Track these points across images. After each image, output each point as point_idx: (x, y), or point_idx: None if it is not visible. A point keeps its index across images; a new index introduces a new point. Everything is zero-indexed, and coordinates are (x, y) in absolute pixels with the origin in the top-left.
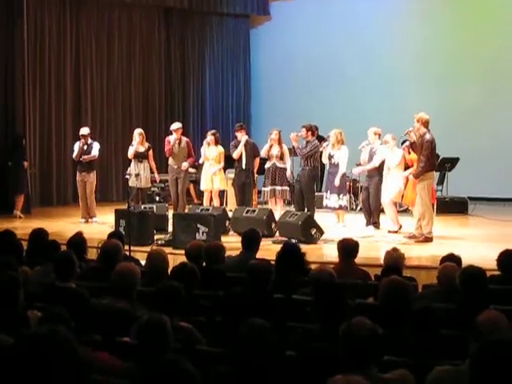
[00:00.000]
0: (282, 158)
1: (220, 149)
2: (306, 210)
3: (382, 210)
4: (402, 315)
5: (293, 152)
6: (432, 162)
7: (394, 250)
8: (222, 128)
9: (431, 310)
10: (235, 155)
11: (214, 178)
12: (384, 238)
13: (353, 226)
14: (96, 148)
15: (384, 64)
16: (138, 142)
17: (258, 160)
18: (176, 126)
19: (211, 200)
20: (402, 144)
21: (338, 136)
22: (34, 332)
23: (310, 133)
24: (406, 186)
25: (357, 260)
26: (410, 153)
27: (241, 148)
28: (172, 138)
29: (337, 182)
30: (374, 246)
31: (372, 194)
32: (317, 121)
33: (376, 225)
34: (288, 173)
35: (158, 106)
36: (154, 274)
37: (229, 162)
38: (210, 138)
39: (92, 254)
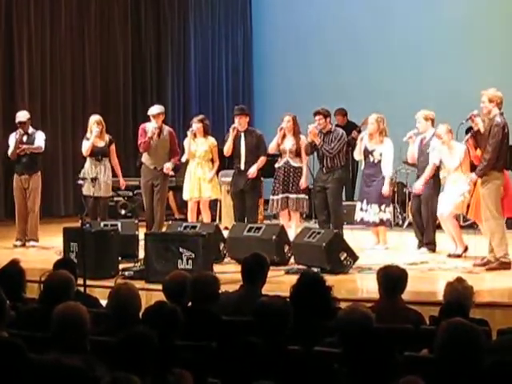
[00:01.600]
0: (298, 153)
1: (211, 141)
2: (331, 226)
3: (439, 226)
4: (468, 373)
5: (310, 149)
6: (503, 155)
7: (459, 281)
8: (212, 114)
9: (509, 366)
10: (225, 150)
11: (202, 184)
12: (442, 264)
13: (398, 248)
14: (41, 138)
15: (426, 31)
16: (95, 134)
17: (264, 158)
18: (156, 109)
19: (198, 214)
20: (467, 133)
21: (380, 123)
22: None
23: (328, 120)
24: (473, 193)
25: (405, 296)
26: (476, 147)
27: (231, 140)
28: (150, 127)
29: (385, 190)
30: (428, 277)
31: (425, 204)
32: (342, 103)
33: (431, 246)
34: (302, 179)
35: (122, 83)
36: (119, 318)
37: (224, 161)
38: (196, 126)
39: (32, 291)
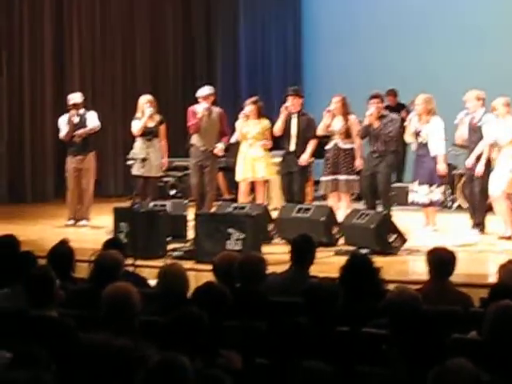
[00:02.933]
0: (348, 135)
1: (265, 123)
2: (381, 208)
3: (490, 208)
4: None
5: (364, 132)
6: None
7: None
8: (261, 96)
9: None
10: (275, 129)
11: (255, 164)
12: (492, 246)
13: (448, 230)
14: (94, 117)
15: (481, 14)
16: (149, 114)
17: (314, 140)
18: (206, 91)
19: (250, 195)
20: None
21: (428, 104)
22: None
23: (382, 104)
24: None
25: (454, 278)
26: None
27: (282, 119)
28: (200, 108)
29: (442, 167)
30: (477, 259)
31: (478, 184)
32: (393, 84)
33: (480, 227)
34: (357, 162)
35: (172, 65)
36: (168, 298)
37: (274, 142)
38: (249, 108)
39: (82, 271)
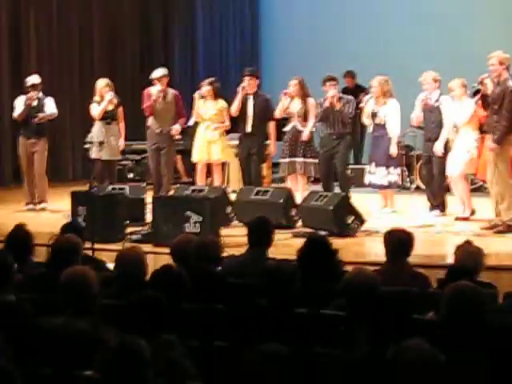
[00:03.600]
0: (306, 117)
1: (221, 104)
2: (338, 189)
3: (448, 189)
4: (473, 336)
5: (324, 114)
6: None
7: (469, 243)
8: (219, 78)
9: None
10: (232, 109)
11: (211, 146)
12: (450, 227)
13: (406, 211)
14: (52, 103)
15: None
16: (109, 99)
17: (273, 123)
18: (160, 72)
19: (208, 177)
20: (474, 95)
21: (384, 86)
22: None
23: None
24: (481, 153)
25: (412, 259)
26: (485, 109)
27: (239, 99)
28: (154, 90)
29: (393, 149)
30: (435, 240)
31: (436, 166)
32: (351, 66)
33: (441, 208)
34: (305, 132)
35: (129, 46)
36: (127, 281)
37: (231, 124)
38: (205, 89)
39: (40, 255)
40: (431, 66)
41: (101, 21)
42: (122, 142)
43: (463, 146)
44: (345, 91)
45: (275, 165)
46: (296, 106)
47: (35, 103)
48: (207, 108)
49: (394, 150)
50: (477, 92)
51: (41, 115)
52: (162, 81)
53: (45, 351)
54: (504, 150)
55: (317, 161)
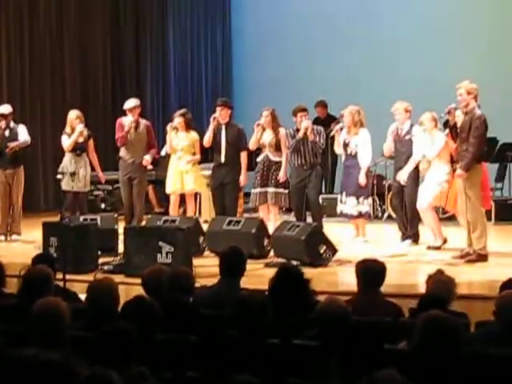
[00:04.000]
0: (277, 147)
1: (193, 135)
2: (311, 219)
3: (421, 219)
4: (445, 366)
5: (296, 145)
6: (483, 148)
7: (440, 272)
8: (191, 108)
9: (487, 358)
10: (204, 141)
11: (184, 177)
12: (421, 256)
13: (378, 240)
14: (24, 131)
15: (407, 19)
16: (80, 131)
17: (245, 153)
18: (132, 103)
19: (180, 207)
20: (445, 126)
21: (355, 116)
22: None
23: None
24: (451, 185)
25: (384, 289)
26: (454, 140)
27: (211, 130)
28: (126, 121)
29: (362, 179)
30: (407, 269)
31: (407, 196)
32: (322, 96)
33: (414, 238)
34: (282, 173)
35: (101, 78)
36: (98, 312)
37: (204, 155)
38: (178, 120)
39: (11, 286)
40: (403, 95)
41: (72, 50)
42: (100, 173)
43: (434, 179)
44: (316, 121)
45: (247, 195)
46: (268, 136)
47: (7, 133)
48: (179, 139)
49: (362, 180)
50: (447, 122)
51: (13, 144)
52: (133, 111)
53: (16, 383)
54: (472, 176)
55: (287, 191)
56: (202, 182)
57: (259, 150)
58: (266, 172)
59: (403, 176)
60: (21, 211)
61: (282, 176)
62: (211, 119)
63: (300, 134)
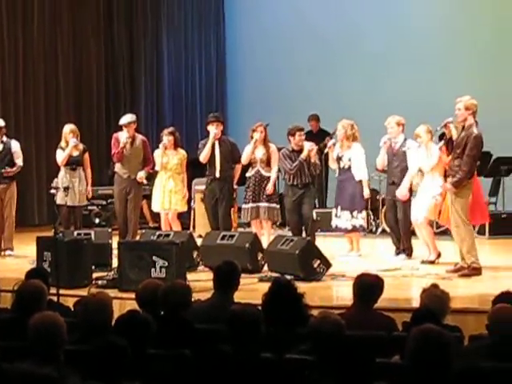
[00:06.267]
0: (268, 163)
1: (182, 153)
2: (304, 233)
3: (413, 232)
4: (438, 379)
5: (298, 166)
6: (476, 167)
7: (435, 287)
8: (185, 123)
9: (480, 372)
10: (202, 157)
11: (173, 196)
12: (415, 271)
13: (372, 255)
14: (17, 148)
15: (407, 33)
16: (73, 145)
17: (239, 167)
18: (127, 119)
19: (169, 224)
20: (441, 139)
21: (348, 130)
22: None
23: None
24: (444, 198)
25: (378, 303)
26: (448, 154)
27: (209, 147)
28: (122, 137)
29: (366, 193)
30: (401, 283)
31: (401, 210)
32: (314, 111)
33: (407, 252)
34: (270, 186)
35: (95, 93)
36: (91, 327)
37: (198, 169)
38: (166, 139)
39: (5, 301)
40: (396, 110)
41: (67, 67)
42: (89, 188)
43: (428, 192)
44: (309, 135)
45: (240, 209)
46: (259, 152)
47: (0, 147)
48: (169, 157)
49: (366, 192)
50: (442, 135)
51: (9, 170)
52: (129, 127)
53: None
54: (461, 192)
55: (279, 206)
56: (185, 201)
57: (249, 165)
58: (257, 187)
59: (403, 192)
60: (13, 226)
61: (270, 188)
62: (211, 136)
63: (303, 156)
